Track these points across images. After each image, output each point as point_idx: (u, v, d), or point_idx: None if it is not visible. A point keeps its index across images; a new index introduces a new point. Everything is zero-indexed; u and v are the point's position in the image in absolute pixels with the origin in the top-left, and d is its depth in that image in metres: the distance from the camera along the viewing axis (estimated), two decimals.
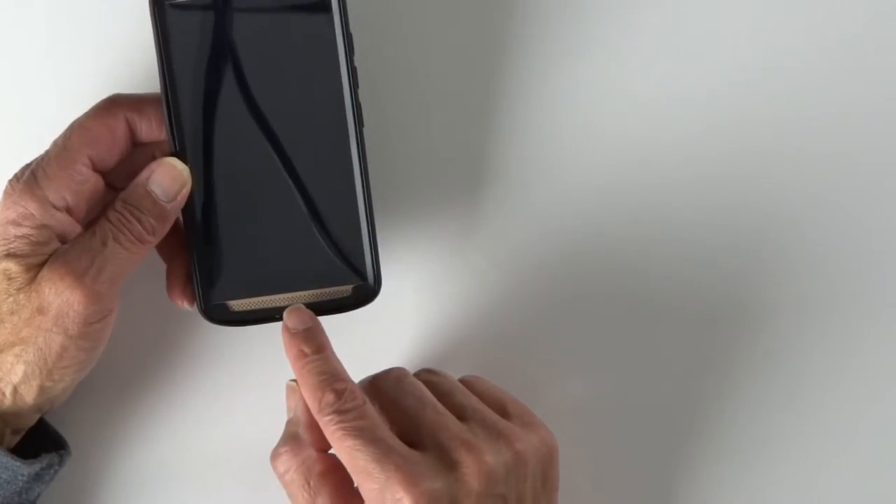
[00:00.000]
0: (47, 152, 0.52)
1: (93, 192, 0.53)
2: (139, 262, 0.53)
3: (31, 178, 0.52)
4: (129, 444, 0.59)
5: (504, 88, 0.59)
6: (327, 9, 0.52)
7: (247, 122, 0.53)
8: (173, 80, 0.53)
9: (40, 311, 0.51)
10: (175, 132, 0.53)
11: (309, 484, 0.52)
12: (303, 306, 0.53)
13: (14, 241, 0.51)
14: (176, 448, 0.59)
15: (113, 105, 0.53)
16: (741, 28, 0.59)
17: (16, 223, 0.51)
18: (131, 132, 0.54)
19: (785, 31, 0.60)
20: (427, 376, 0.55)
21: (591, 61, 0.59)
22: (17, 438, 0.53)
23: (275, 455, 0.53)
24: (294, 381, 0.53)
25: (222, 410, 0.59)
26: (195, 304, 0.54)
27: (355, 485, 0.51)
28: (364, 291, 0.54)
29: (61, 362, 0.52)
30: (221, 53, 0.52)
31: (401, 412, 0.52)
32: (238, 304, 0.54)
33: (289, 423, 0.54)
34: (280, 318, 0.53)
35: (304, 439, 0.53)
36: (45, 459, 0.53)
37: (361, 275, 0.54)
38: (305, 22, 0.53)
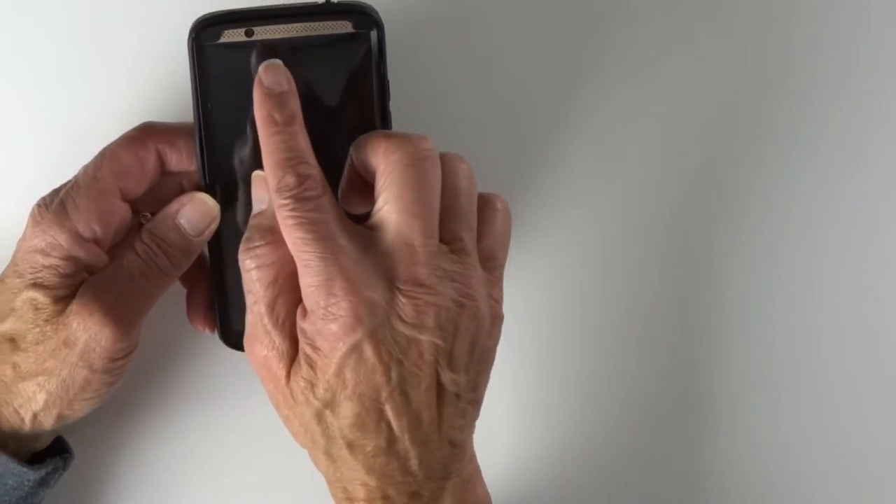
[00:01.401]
0: (77, 180, 0.52)
1: (121, 222, 0.53)
2: (162, 294, 0.53)
3: (60, 207, 0.51)
4: (132, 448, 0.59)
5: (532, 124, 0.60)
6: (365, 53, 0.52)
7: None
8: (208, 116, 0.52)
9: (67, 344, 0.51)
10: (206, 167, 0.53)
11: (276, 282, 0.48)
12: (282, 64, 0.50)
13: (42, 270, 0.51)
14: (179, 454, 0.59)
15: (144, 135, 0.53)
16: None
17: (44, 252, 0.51)
18: (161, 163, 0.53)
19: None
20: (465, 182, 0.50)
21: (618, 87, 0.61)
22: (29, 455, 0.54)
23: (248, 248, 0.49)
24: (261, 171, 0.50)
25: (227, 420, 0.60)
26: (216, 330, 0.55)
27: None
28: None
29: (83, 394, 0.52)
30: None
31: (426, 195, 0.48)
32: None
33: (258, 215, 0.50)
34: None
35: (280, 234, 0.49)
36: (50, 464, 0.54)
37: None
38: (342, 65, 0.52)
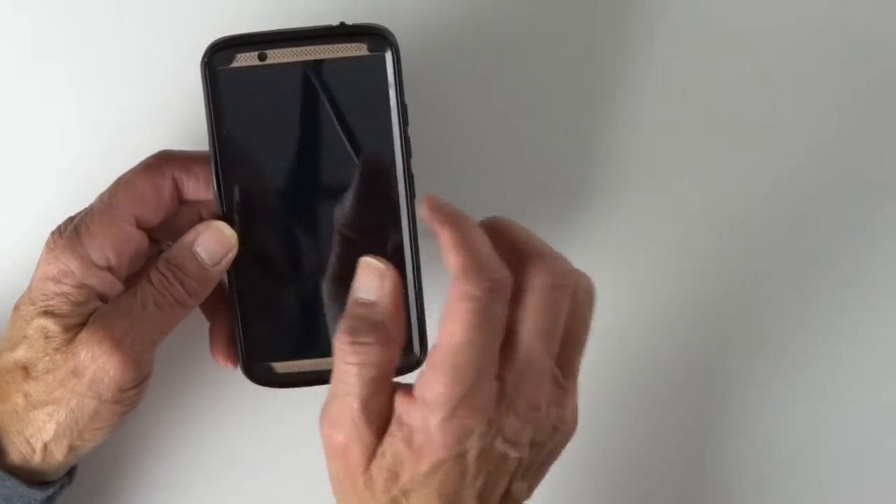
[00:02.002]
0: (91, 207, 0.52)
1: (136, 250, 0.52)
2: (177, 325, 0.52)
3: (73, 234, 0.51)
4: (138, 466, 0.59)
5: (547, 155, 0.60)
6: (382, 75, 0.51)
7: (295, 187, 0.52)
8: (223, 143, 0.51)
9: (75, 373, 0.50)
10: (223, 195, 0.52)
11: (376, 380, 0.47)
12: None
13: (53, 298, 0.50)
14: (186, 476, 0.59)
15: (161, 162, 0.52)
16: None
17: (56, 280, 0.50)
18: (178, 191, 0.53)
19: None
20: (588, 314, 0.50)
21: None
22: (39, 482, 0.53)
23: (354, 342, 0.47)
24: (372, 257, 0.49)
25: (240, 444, 0.59)
26: (238, 365, 0.53)
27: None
28: (409, 361, 0.53)
29: (93, 424, 0.51)
30: (272, 119, 0.51)
31: (544, 324, 0.48)
32: (282, 367, 0.53)
33: (367, 306, 0.48)
34: (325, 382, 0.52)
35: (389, 331, 0.48)
36: (56, 483, 0.53)
37: (408, 344, 0.52)
38: (359, 90, 0.51)
